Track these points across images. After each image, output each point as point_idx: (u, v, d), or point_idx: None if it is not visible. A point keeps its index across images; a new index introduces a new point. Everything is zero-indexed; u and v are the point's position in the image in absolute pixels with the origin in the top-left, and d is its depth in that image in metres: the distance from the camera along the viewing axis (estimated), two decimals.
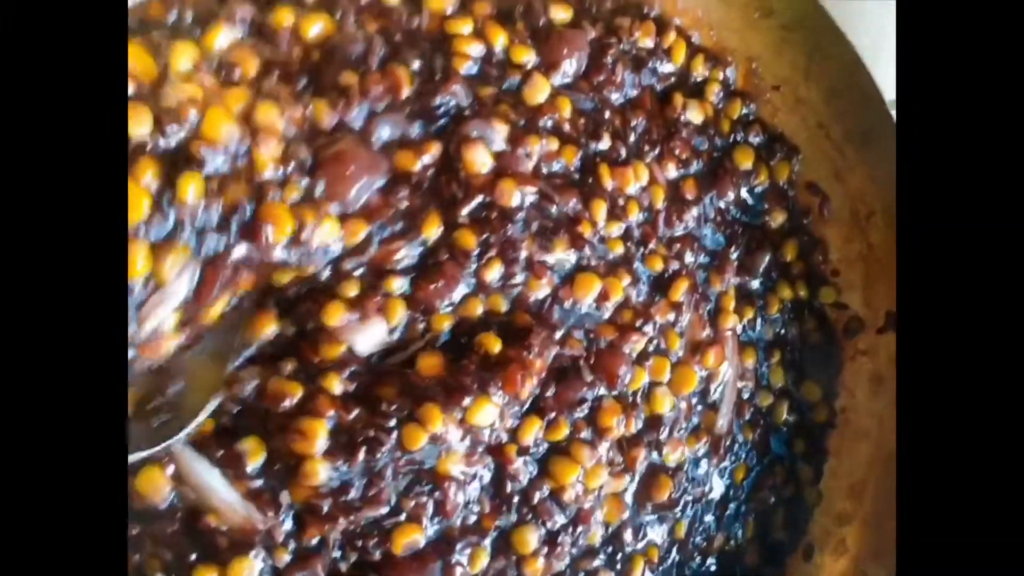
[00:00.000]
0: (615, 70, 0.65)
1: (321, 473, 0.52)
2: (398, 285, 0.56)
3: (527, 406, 0.58)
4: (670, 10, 0.70)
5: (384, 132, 0.56)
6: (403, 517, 0.54)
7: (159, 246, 0.50)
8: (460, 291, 0.57)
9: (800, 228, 0.72)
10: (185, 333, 0.53)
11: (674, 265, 0.66)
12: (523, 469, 0.58)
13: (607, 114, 0.65)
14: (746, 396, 0.69)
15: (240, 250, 0.52)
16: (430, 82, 0.58)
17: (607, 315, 0.62)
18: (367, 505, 0.53)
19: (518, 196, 0.58)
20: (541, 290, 0.59)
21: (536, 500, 0.58)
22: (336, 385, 0.54)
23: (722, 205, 0.70)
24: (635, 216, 0.64)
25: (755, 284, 0.70)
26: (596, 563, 0.61)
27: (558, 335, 0.60)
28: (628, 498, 0.63)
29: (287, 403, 0.53)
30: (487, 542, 0.58)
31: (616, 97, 0.66)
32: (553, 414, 0.59)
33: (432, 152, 0.57)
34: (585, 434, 0.60)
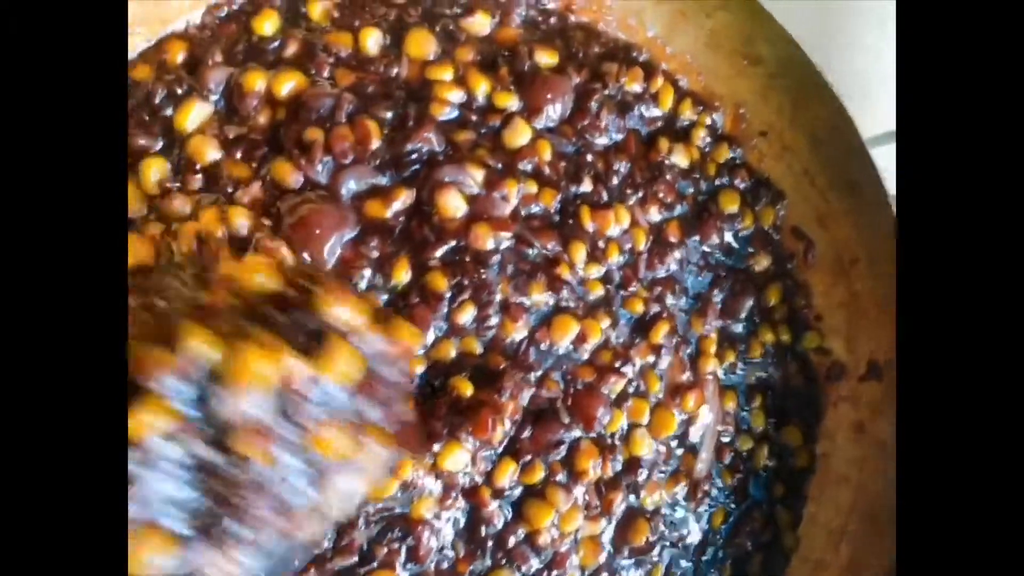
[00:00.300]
0: (599, 115, 0.66)
1: None
2: None
3: (502, 448, 0.58)
4: (658, 55, 0.71)
5: (351, 184, 0.57)
6: (375, 564, 0.55)
7: None
8: (431, 335, 0.57)
9: (784, 273, 0.72)
10: None
11: (655, 308, 0.66)
12: (497, 513, 0.58)
13: (589, 157, 0.66)
14: (726, 440, 0.69)
15: None
16: (402, 129, 0.59)
17: (585, 357, 0.63)
18: (338, 555, 0.53)
19: (492, 240, 0.59)
20: (517, 332, 0.60)
21: (511, 544, 0.59)
22: None
23: (706, 248, 0.70)
24: (616, 258, 0.65)
25: (738, 328, 0.70)
26: None
27: (534, 377, 0.60)
28: (605, 541, 0.63)
29: None
30: None
31: (600, 141, 0.67)
32: (529, 456, 0.59)
33: (403, 199, 0.58)
34: (560, 477, 0.60)
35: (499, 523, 0.58)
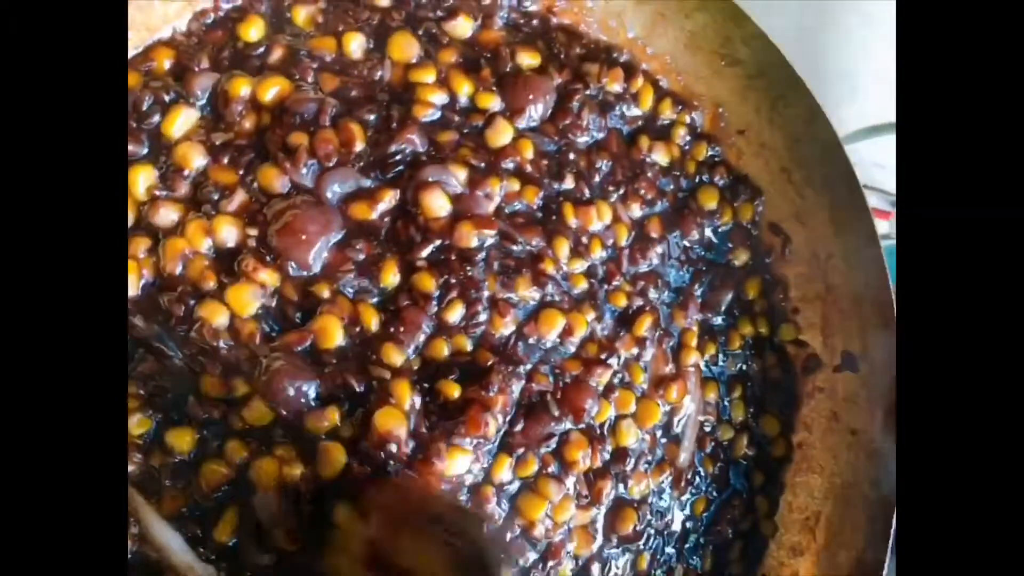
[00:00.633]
0: (581, 114, 0.67)
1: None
2: None
3: (498, 443, 0.60)
4: (639, 56, 0.72)
5: (336, 187, 0.58)
6: None
7: None
8: (422, 335, 0.58)
9: (762, 267, 0.74)
10: None
11: (638, 301, 0.68)
12: (497, 509, 0.59)
13: (572, 156, 0.67)
14: (708, 430, 0.70)
15: None
16: (386, 131, 0.60)
17: (572, 350, 0.64)
18: None
19: (477, 238, 0.60)
20: (505, 327, 0.61)
21: (508, 539, 0.59)
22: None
23: (687, 243, 0.72)
24: (599, 253, 0.66)
25: (718, 320, 0.72)
26: None
27: (524, 370, 0.61)
28: (596, 529, 0.64)
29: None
30: None
31: (582, 139, 0.68)
32: (522, 450, 0.60)
33: (388, 200, 0.59)
34: (552, 468, 0.61)
35: (499, 519, 0.59)
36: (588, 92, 0.68)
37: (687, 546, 0.69)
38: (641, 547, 0.67)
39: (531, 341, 0.62)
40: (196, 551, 0.53)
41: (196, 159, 0.59)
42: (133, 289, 0.56)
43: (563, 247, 0.64)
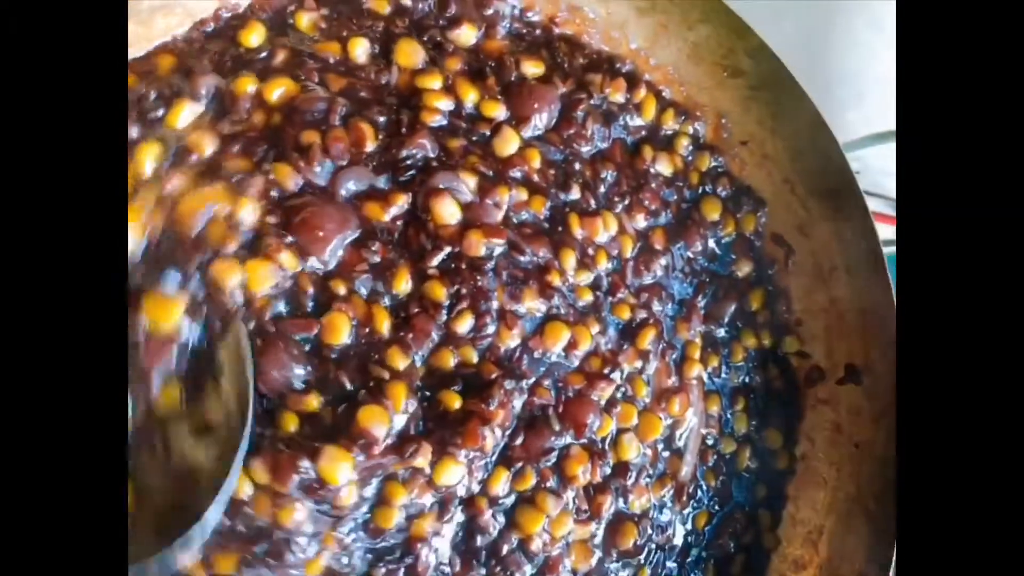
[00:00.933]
0: (585, 124, 0.67)
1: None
2: None
3: (496, 456, 0.59)
4: (642, 67, 0.72)
5: (350, 185, 0.58)
6: None
7: None
8: (430, 343, 0.58)
9: (766, 278, 0.74)
10: None
11: (642, 314, 0.67)
12: (492, 521, 0.59)
13: (577, 165, 0.67)
14: (710, 443, 0.70)
15: None
16: (396, 135, 0.59)
17: (576, 363, 0.63)
18: None
19: (486, 247, 0.60)
20: (512, 340, 0.60)
21: (504, 552, 0.59)
22: None
23: (690, 255, 0.71)
24: (604, 265, 0.66)
25: (721, 332, 0.72)
26: None
27: (527, 384, 0.60)
28: (595, 544, 0.63)
29: None
30: None
31: (586, 149, 0.68)
32: (520, 464, 0.60)
33: (400, 203, 0.58)
34: (551, 482, 0.61)
35: (494, 532, 0.58)
36: (592, 102, 0.68)
37: (688, 560, 0.69)
38: (642, 561, 0.66)
39: (536, 354, 0.62)
40: None
41: (208, 146, 0.57)
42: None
43: (570, 259, 0.63)
